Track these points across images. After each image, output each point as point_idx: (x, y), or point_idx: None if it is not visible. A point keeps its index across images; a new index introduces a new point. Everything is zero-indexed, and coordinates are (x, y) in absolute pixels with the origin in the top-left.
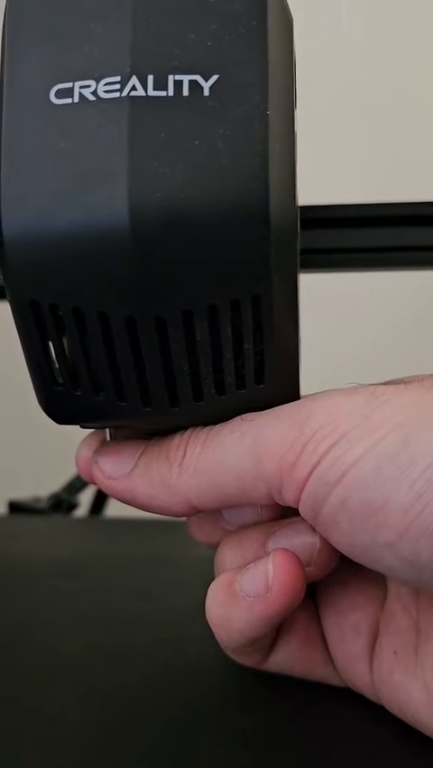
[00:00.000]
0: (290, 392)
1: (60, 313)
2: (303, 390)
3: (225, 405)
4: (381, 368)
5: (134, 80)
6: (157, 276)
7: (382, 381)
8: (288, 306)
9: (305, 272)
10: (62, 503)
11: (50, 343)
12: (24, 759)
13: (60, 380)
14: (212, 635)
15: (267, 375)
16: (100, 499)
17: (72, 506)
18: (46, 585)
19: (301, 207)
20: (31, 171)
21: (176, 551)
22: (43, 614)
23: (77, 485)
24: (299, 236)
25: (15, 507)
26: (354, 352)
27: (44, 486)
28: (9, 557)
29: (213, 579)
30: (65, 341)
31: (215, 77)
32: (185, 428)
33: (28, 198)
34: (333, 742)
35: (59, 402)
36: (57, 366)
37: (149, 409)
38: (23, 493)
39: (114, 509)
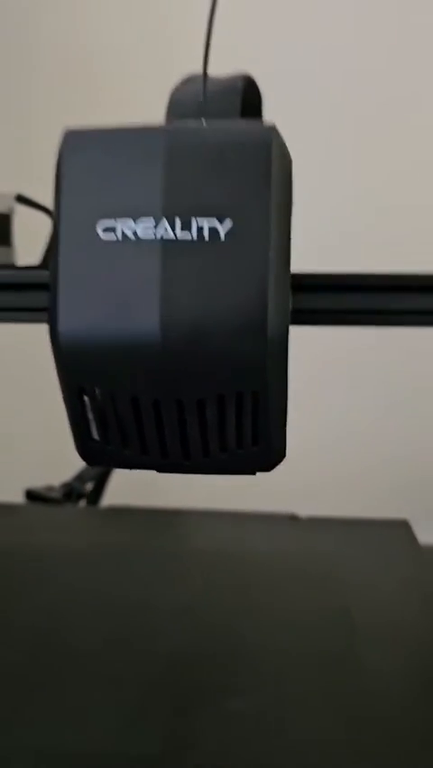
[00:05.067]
0: (279, 449)
1: (100, 394)
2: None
3: (228, 459)
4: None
5: (165, 223)
6: (179, 374)
7: None
8: (279, 396)
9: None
10: (73, 492)
11: (90, 412)
12: (48, 735)
13: (95, 437)
14: (218, 621)
15: (261, 440)
16: (98, 489)
17: (82, 494)
18: (63, 571)
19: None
20: (83, 292)
21: (180, 541)
22: (62, 599)
23: (86, 475)
24: (288, 344)
25: (32, 496)
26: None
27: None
28: (28, 545)
29: (216, 568)
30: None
31: (230, 223)
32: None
33: (80, 313)
34: (330, 724)
35: (93, 451)
36: (93, 426)
37: (166, 461)
38: (37, 482)
39: (109, 499)
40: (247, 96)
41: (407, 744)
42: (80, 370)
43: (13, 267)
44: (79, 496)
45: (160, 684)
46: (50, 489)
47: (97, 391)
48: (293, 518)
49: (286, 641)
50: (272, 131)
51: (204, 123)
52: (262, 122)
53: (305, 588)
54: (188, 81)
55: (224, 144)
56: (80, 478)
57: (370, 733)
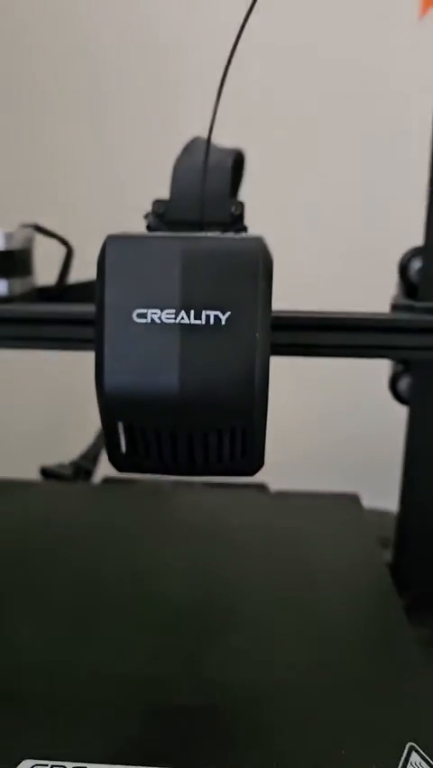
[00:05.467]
0: (260, 459)
1: (131, 426)
2: None
3: (222, 467)
4: None
5: (183, 313)
6: (191, 417)
7: None
8: (262, 426)
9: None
10: (81, 469)
11: (122, 436)
12: (93, 661)
13: (124, 451)
14: (210, 579)
15: (248, 454)
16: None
17: (89, 472)
18: (81, 539)
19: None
20: (122, 358)
21: (172, 512)
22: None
23: (90, 454)
24: (267, 399)
25: (45, 473)
26: None
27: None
28: (49, 517)
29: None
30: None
31: (228, 313)
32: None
33: (120, 372)
34: (301, 646)
35: (120, 460)
36: (123, 444)
37: (176, 469)
38: (48, 459)
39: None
40: (235, 170)
41: (360, 651)
42: (118, 411)
43: (34, 295)
44: (87, 473)
45: (175, 625)
46: (62, 466)
47: (129, 424)
48: (262, 488)
49: (262, 590)
50: (260, 242)
51: (212, 234)
52: (253, 236)
53: (274, 549)
54: (189, 150)
55: (225, 253)
56: (86, 457)
57: (330, 648)
